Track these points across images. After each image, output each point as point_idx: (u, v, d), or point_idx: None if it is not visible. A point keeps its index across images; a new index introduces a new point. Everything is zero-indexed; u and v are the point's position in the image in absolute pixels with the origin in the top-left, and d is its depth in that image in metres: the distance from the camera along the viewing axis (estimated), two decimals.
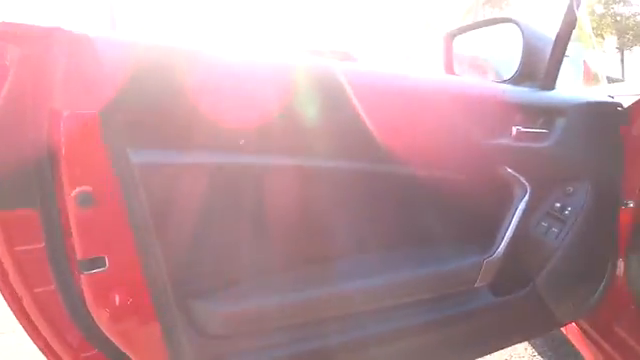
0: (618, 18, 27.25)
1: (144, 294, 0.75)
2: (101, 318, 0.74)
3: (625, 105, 1.26)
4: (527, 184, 1.11)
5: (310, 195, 0.92)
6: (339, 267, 0.97)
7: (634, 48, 26.82)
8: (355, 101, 0.92)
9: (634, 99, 1.26)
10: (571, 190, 1.18)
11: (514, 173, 1.10)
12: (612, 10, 27.44)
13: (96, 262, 0.71)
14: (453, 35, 1.35)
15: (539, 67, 1.16)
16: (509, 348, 1.80)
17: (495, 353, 1.75)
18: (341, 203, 0.96)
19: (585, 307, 1.31)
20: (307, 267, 0.94)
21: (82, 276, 0.72)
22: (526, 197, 1.10)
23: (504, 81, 1.22)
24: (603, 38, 26.94)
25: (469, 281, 1.09)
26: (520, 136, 1.09)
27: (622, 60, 26.48)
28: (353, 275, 0.97)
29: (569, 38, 1.13)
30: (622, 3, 27.45)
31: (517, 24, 1.19)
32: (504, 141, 1.09)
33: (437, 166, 1.04)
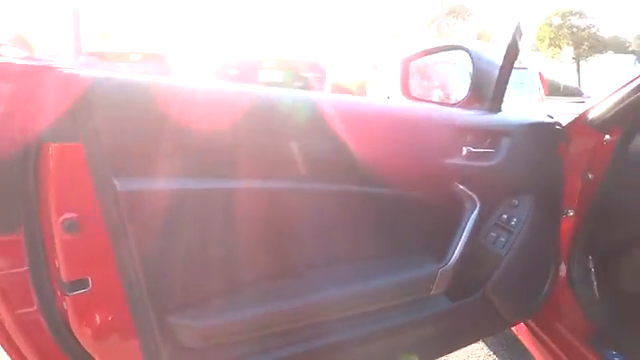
0: (574, 30, 28.45)
1: (125, 312, 0.81)
2: (84, 336, 0.78)
3: (563, 124, 1.39)
4: (477, 199, 1.21)
5: (277, 214, 0.99)
6: (307, 280, 1.04)
7: (589, 59, 27.99)
8: (318, 127, 1.01)
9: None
10: (516, 203, 1.29)
11: (465, 189, 1.21)
12: (569, 22, 28.64)
13: (80, 283, 0.76)
14: (408, 60, 1.45)
15: (487, 91, 1.27)
16: (466, 349, 1.92)
17: (452, 354, 1.87)
18: (308, 221, 1.04)
19: (530, 308, 1.43)
20: (274, 282, 1.01)
21: (66, 297, 0.76)
22: (476, 211, 1.21)
23: (455, 104, 1.33)
24: (560, 48, 28.04)
25: (426, 289, 1.19)
26: (470, 155, 1.19)
27: (578, 70, 27.61)
28: (320, 287, 1.05)
29: (512, 66, 1.25)
30: (578, 15, 28.69)
31: (467, 51, 1.30)
32: (456, 160, 1.19)
33: (396, 185, 1.13)
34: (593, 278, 1.49)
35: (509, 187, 1.30)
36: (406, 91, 1.43)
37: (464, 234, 1.20)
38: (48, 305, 0.79)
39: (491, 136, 1.25)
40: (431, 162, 1.17)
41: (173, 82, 0.89)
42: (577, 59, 28.00)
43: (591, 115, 1.35)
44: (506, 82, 1.26)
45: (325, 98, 1.10)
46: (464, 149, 1.18)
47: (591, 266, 1.50)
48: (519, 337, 1.60)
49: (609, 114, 1.32)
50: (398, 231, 1.16)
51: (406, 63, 1.43)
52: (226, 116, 0.90)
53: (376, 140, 1.09)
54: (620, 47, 30.51)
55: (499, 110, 1.29)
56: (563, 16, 28.72)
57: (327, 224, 1.07)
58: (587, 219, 1.42)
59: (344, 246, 1.09)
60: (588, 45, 27.88)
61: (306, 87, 6.96)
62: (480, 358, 1.88)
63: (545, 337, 1.48)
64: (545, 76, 7.25)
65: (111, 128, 0.78)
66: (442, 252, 1.20)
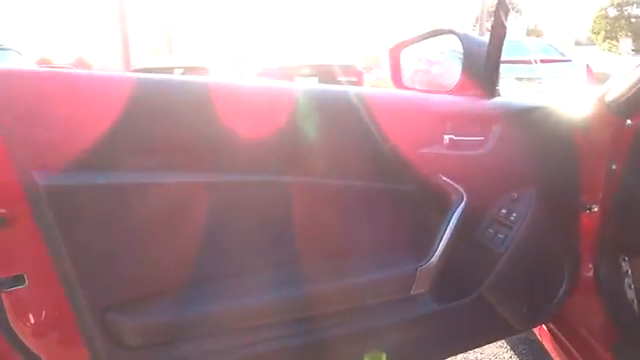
0: (633, 20, 26.92)
1: (64, 308, 0.79)
2: (24, 332, 0.78)
3: (580, 111, 1.27)
4: (463, 191, 1.11)
5: (236, 208, 0.94)
6: (268, 277, 0.99)
7: None
8: (291, 115, 0.95)
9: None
10: (516, 196, 1.18)
11: (449, 181, 1.11)
12: (626, 12, 27.14)
13: (16, 280, 0.76)
14: (398, 49, 1.38)
15: (479, 77, 1.17)
16: (491, 355, 1.80)
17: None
18: (272, 216, 0.99)
19: (545, 312, 1.31)
20: (231, 279, 0.96)
21: (2, 294, 0.77)
22: (462, 205, 1.11)
23: (448, 92, 1.23)
24: (617, 41, 26.60)
25: (403, 289, 1.10)
26: (455, 144, 1.10)
27: None
28: (285, 285, 1.00)
29: (501, 48, 1.14)
30: (636, 5, 27.12)
31: (457, 35, 1.21)
32: (439, 150, 1.10)
33: (373, 177, 1.06)
34: (623, 279, 1.35)
35: (504, 178, 1.19)
36: (397, 81, 1.35)
37: (448, 230, 1.10)
38: None
39: (480, 123, 1.15)
40: (411, 153, 1.08)
41: (95, 73, 0.88)
42: (637, 50, 26.41)
43: (610, 98, 1.23)
44: (497, 64, 1.16)
45: (295, 87, 1.05)
46: (446, 137, 1.09)
47: (621, 266, 1.36)
48: (543, 342, 1.48)
49: (628, 96, 1.19)
50: (376, 227, 1.09)
51: (396, 52, 1.36)
52: (153, 106, 0.87)
53: (352, 130, 1.02)
54: None
55: (493, 95, 1.19)
56: (619, 7, 27.25)
57: (299, 219, 1.00)
58: (613, 214, 1.29)
59: (313, 243, 1.02)
60: None
61: None
62: None
63: (567, 343, 1.35)
64: (600, 69, 6.88)
65: (31, 122, 0.77)
66: (422, 250, 1.11)
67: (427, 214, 1.12)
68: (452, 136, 1.10)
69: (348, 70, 7.31)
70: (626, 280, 1.36)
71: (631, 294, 1.35)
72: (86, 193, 0.82)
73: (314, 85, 1.10)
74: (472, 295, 1.17)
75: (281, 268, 1.00)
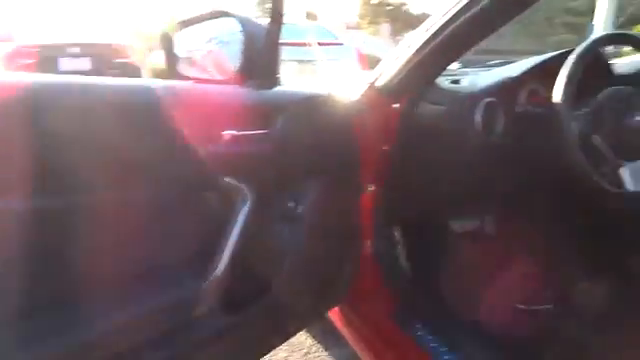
0: (390, 7, 30.82)
1: None
2: None
3: (355, 97, 1.30)
4: (247, 191, 1.03)
5: None
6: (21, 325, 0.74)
7: (405, 34, 30.50)
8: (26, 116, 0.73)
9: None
10: (303, 187, 1.15)
11: (231, 181, 1.01)
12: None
13: None
14: (176, 31, 1.19)
15: (259, 65, 1.07)
16: (290, 342, 1.81)
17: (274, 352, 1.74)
18: (26, 243, 0.74)
19: (334, 297, 1.34)
20: None
21: None
22: (247, 205, 1.02)
23: (228, 81, 1.10)
24: (379, 25, 30.19)
25: (187, 311, 0.97)
26: (235, 140, 0.98)
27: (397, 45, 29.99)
28: (35, 334, 0.76)
29: (279, 36, 1.06)
30: None
31: (237, 18, 1.07)
32: (216, 148, 0.97)
33: (138, 186, 0.89)
34: (396, 251, 1.46)
35: (291, 171, 1.14)
36: (172, 68, 1.17)
37: (234, 236, 1.00)
38: None
39: (262, 115, 1.06)
40: (187, 153, 0.92)
41: None
42: (395, 34, 30.39)
43: (380, 83, 1.28)
44: (276, 54, 1.08)
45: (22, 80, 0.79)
46: (225, 133, 0.97)
47: (393, 239, 1.46)
48: (338, 326, 1.51)
49: (395, 81, 1.25)
50: (150, 243, 0.92)
51: (167, 37, 1.16)
52: None
53: (110, 128, 0.82)
54: None
55: (274, 86, 1.10)
56: None
57: (47, 246, 0.77)
58: (385, 192, 1.37)
59: (72, 275, 0.80)
60: (403, 21, 30.41)
61: (123, 76, 6.29)
62: (304, 350, 1.78)
63: (355, 319, 1.41)
64: (368, 51, 7.62)
65: None
66: (206, 263, 1.00)
67: (211, 221, 1.01)
68: (233, 131, 0.97)
69: (125, 50, 6.68)
70: (398, 248, 1.47)
71: (403, 260, 1.47)
72: None
73: (45, 76, 0.82)
74: (264, 298, 1.11)
75: (34, 310, 0.75)
